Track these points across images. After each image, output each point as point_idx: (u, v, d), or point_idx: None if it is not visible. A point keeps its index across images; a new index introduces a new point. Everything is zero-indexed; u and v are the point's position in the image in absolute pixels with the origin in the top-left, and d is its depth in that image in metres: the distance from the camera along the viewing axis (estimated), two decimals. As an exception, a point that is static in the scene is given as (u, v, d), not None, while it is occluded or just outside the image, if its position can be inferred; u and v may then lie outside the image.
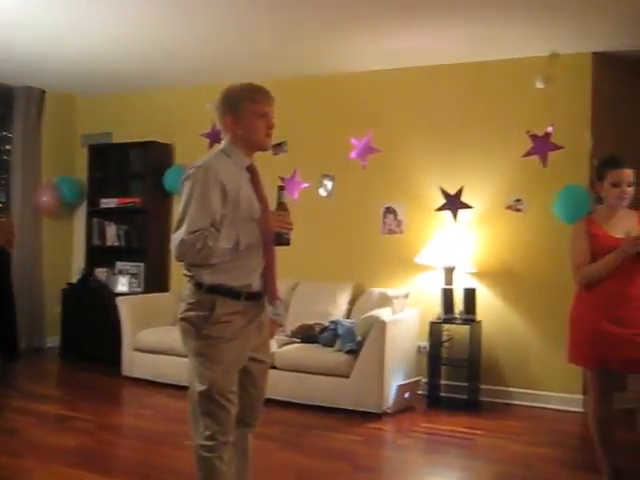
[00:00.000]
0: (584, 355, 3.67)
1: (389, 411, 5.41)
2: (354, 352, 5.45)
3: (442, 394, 5.88)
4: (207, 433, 2.76)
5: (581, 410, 5.37)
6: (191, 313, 2.80)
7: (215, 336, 2.75)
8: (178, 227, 2.74)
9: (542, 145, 5.76)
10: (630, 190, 3.61)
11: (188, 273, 2.85)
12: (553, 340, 5.48)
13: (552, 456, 4.56)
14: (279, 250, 2.92)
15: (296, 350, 5.77)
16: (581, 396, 5.44)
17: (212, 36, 5.70)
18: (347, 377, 5.42)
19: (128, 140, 7.58)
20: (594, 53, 5.73)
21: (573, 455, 4.68)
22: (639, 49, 5.60)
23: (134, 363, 6.45)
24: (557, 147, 5.70)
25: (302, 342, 5.92)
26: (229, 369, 2.79)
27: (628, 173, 3.59)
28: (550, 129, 5.72)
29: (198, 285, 2.79)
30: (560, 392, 5.63)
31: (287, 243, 2.85)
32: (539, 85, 5.62)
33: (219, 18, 5.24)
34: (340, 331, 5.67)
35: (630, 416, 3.63)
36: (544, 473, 4.25)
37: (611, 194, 3.62)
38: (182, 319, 2.84)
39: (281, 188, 2.92)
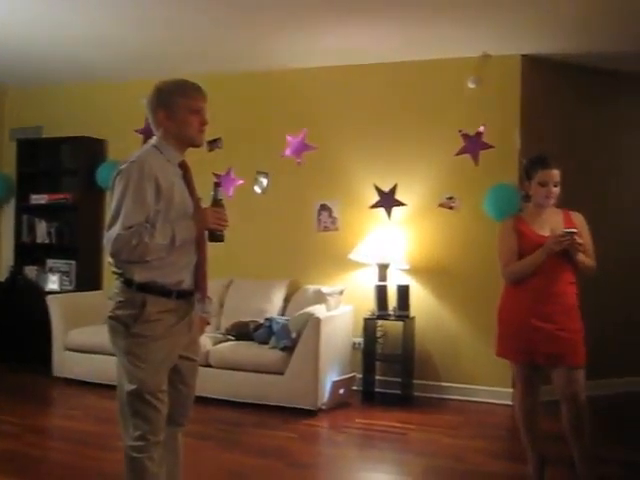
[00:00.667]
0: (512, 349, 3.76)
1: (324, 407, 5.44)
2: (289, 349, 5.45)
3: (376, 390, 5.95)
4: (137, 433, 2.72)
5: (511, 403, 5.49)
6: (120, 311, 2.76)
7: (145, 335, 2.71)
8: (112, 223, 2.69)
9: (474, 144, 5.88)
10: (557, 190, 3.71)
11: (117, 270, 2.81)
12: (484, 335, 5.59)
13: (482, 448, 4.67)
14: (213, 247, 2.90)
15: (231, 348, 5.74)
16: (511, 389, 5.55)
17: (146, 31, 5.61)
18: (282, 374, 5.42)
19: (59, 135, 7.39)
20: (523, 55, 5.88)
21: (502, 446, 4.79)
22: (565, 52, 5.79)
23: (65, 363, 6.30)
24: (488, 146, 5.82)
25: (237, 339, 5.89)
26: (159, 368, 2.75)
27: (555, 173, 3.69)
28: (481, 129, 5.84)
29: (128, 283, 2.75)
30: (491, 386, 5.76)
31: (221, 240, 2.84)
32: (471, 85, 5.74)
33: (153, 13, 5.15)
34: (275, 328, 5.67)
35: (556, 407, 3.74)
36: (474, 465, 4.35)
37: (539, 193, 3.72)
38: (111, 317, 2.79)
39: (217, 185, 2.90)
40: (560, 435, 3.69)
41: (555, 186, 3.70)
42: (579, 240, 3.57)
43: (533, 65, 5.92)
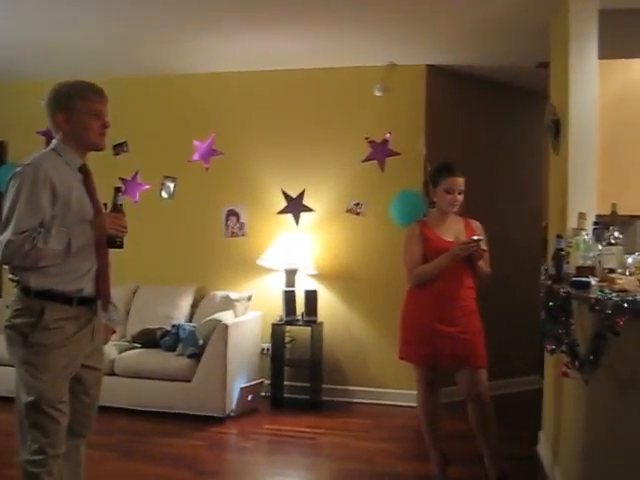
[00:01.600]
0: (415, 353, 3.84)
1: (232, 414, 5.39)
2: (196, 356, 5.38)
3: (285, 395, 5.94)
4: (35, 447, 2.61)
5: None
6: (17, 320, 2.65)
7: (44, 343, 2.62)
8: (5, 228, 2.59)
9: (380, 151, 5.99)
10: (461, 197, 3.82)
11: (14, 277, 2.70)
12: (391, 338, 5.62)
13: (391, 450, 4.75)
14: (118, 253, 2.83)
15: (136, 355, 5.62)
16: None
17: (50, 30, 5.40)
18: (189, 381, 5.35)
19: (-45, 135, 7.05)
20: (428, 65, 6.03)
21: (410, 447, 4.88)
22: (466, 63, 5.98)
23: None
24: (394, 153, 5.95)
25: (143, 347, 5.77)
26: (59, 378, 2.66)
27: (460, 181, 3.80)
28: (388, 136, 5.96)
29: (25, 290, 2.65)
30: (398, 388, 5.85)
31: (120, 246, 2.77)
32: (377, 93, 5.84)
33: (54, 13, 4.98)
34: (182, 335, 5.59)
35: (458, 407, 3.85)
36: (383, 466, 4.41)
37: (444, 200, 3.82)
38: (7, 327, 2.68)
39: (117, 189, 2.83)
40: (461, 434, 3.81)
41: (460, 193, 3.81)
42: (483, 247, 3.70)
43: (437, 75, 6.09)
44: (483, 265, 3.81)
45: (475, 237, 3.70)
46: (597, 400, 3.03)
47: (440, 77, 6.11)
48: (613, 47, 4.09)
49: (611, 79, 4.01)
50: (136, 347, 5.78)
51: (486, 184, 6.09)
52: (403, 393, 5.78)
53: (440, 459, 3.94)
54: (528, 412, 5.03)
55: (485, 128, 6.41)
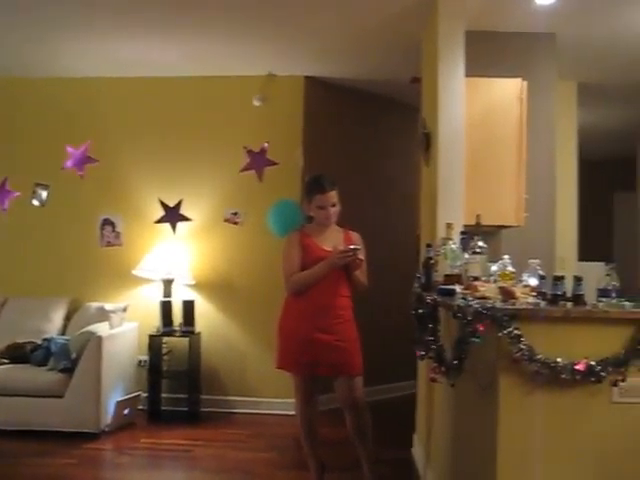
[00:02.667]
0: (293, 362, 3.86)
1: (107, 429, 5.23)
2: (69, 370, 5.19)
3: (163, 408, 5.83)
4: None
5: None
6: None
7: None
8: None
9: (258, 160, 6.02)
10: (335, 209, 3.87)
11: None
12: (269, 348, 5.64)
13: (269, 459, 4.75)
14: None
15: (4, 372, 5.34)
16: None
17: None
18: (61, 397, 5.14)
19: None
20: (307, 77, 6.12)
21: (289, 456, 4.90)
22: (344, 76, 6.11)
23: None
24: (272, 163, 5.99)
25: (11, 362, 5.49)
26: None
27: (332, 195, 3.83)
28: (266, 145, 5.99)
29: None
30: (277, 397, 5.87)
31: None
32: (256, 103, 5.87)
33: None
34: (54, 349, 5.38)
35: (336, 415, 3.91)
36: (262, 477, 4.41)
37: (319, 215, 3.88)
38: None
39: None
40: (339, 440, 3.87)
41: (333, 206, 3.86)
42: (360, 256, 3.78)
43: (316, 86, 6.19)
44: (360, 275, 3.89)
45: (352, 246, 3.77)
46: (462, 402, 3.17)
47: (318, 88, 6.21)
48: (479, 66, 4.31)
49: (477, 96, 4.22)
50: (4, 363, 5.50)
51: (362, 196, 6.24)
52: (282, 402, 5.81)
53: (318, 467, 3.98)
54: (404, 416, 5.17)
55: (362, 140, 6.57)
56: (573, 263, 5.78)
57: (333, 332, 3.80)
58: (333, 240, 3.87)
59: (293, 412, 3.91)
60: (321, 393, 4.00)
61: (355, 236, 4.00)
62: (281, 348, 3.92)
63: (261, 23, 4.90)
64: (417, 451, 4.63)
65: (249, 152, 6.02)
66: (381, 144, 6.74)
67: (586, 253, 6.10)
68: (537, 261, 3.10)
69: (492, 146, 4.18)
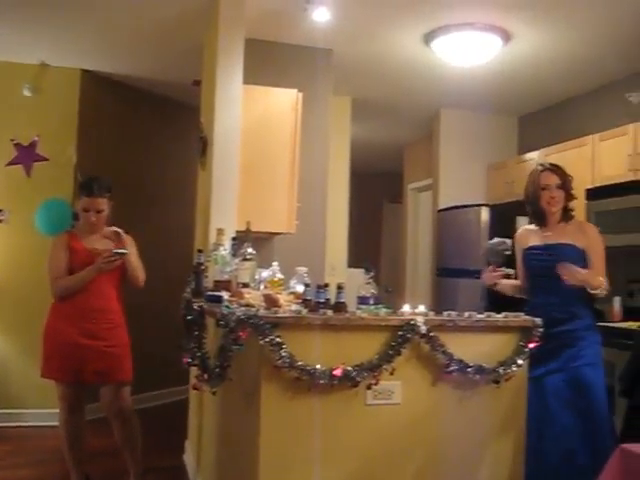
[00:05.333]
0: (58, 369, 3.68)
1: None
2: None
3: None
4: None
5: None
6: None
7: None
8: None
9: (27, 155, 5.63)
10: (101, 215, 3.74)
11: None
12: (33, 356, 5.33)
13: (29, 476, 4.42)
14: None
15: None
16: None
17: None
18: None
19: None
20: (84, 70, 5.84)
21: (50, 470, 4.57)
22: (125, 73, 5.94)
23: None
24: (42, 158, 5.64)
25: None
26: None
27: (99, 202, 3.73)
28: (36, 139, 5.63)
29: None
30: (42, 408, 5.50)
31: None
32: (26, 93, 5.51)
33: None
34: None
35: (102, 424, 3.76)
36: (16, 497, 4.11)
37: (82, 218, 3.75)
38: None
39: None
40: (105, 451, 3.73)
41: (99, 212, 3.73)
42: (132, 259, 3.72)
43: (94, 81, 5.93)
44: (135, 271, 3.81)
45: (118, 250, 3.67)
46: (229, 409, 3.19)
47: (97, 84, 5.96)
48: (258, 74, 4.38)
49: (254, 104, 4.28)
50: None
51: (141, 197, 6.08)
52: (47, 412, 5.46)
53: (82, 479, 3.81)
54: (177, 422, 5.09)
55: (143, 141, 6.40)
56: (343, 270, 6.06)
57: (102, 337, 3.68)
58: (103, 243, 3.76)
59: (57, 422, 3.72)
60: (88, 402, 3.84)
61: (127, 239, 3.88)
62: (46, 355, 3.73)
63: (35, 8, 4.59)
64: (189, 458, 4.58)
65: (17, 145, 5.61)
66: (163, 146, 6.61)
67: (357, 260, 6.42)
68: (304, 268, 3.20)
69: (266, 154, 4.26)
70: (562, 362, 3.28)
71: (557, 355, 3.28)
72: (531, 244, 3.51)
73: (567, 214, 3.46)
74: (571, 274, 3.18)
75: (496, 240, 3.72)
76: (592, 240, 3.38)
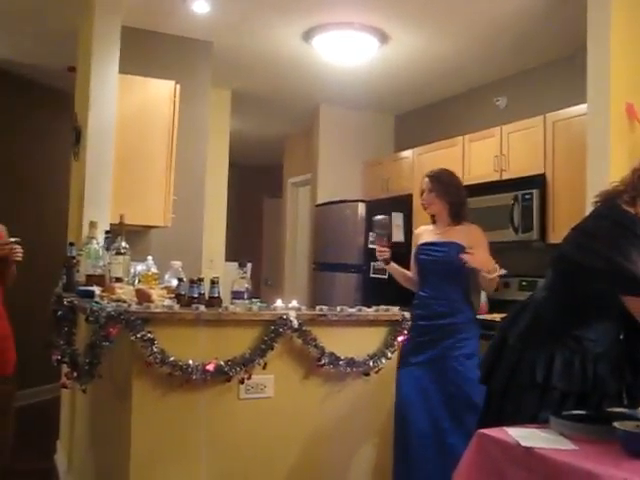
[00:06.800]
0: None
1: None
2: None
3: None
4: None
5: None
6: None
7: None
8: None
9: None
10: None
11: None
12: None
13: None
14: None
15: None
16: None
17: None
18: None
19: None
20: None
21: None
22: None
23: None
24: None
25: None
26: None
27: None
28: None
29: None
30: None
31: None
32: None
33: None
34: None
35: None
36: None
37: None
38: None
39: None
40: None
41: None
42: (19, 248, 3.49)
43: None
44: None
45: (13, 239, 3.50)
46: (100, 406, 3.12)
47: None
48: (135, 64, 4.29)
49: (130, 94, 4.19)
50: None
51: (10, 189, 5.80)
52: None
53: None
54: (49, 422, 4.90)
55: (13, 129, 6.06)
56: (222, 264, 6.04)
57: None
58: None
59: None
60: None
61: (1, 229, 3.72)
62: None
63: None
64: (60, 458, 4.43)
65: None
66: (36, 134, 6.29)
67: (237, 254, 6.41)
68: (179, 262, 3.17)
69: (142, 145, 4.18)
70: (440, 351, 3.48)
71: (437, 345, 3.48)
72: (423, 240, 3.76)
73: (455, 217, 3.70)
74: (472, 258, 3.37)
75: (381, 216, 3.94)
76: (476, 239, 3.62)
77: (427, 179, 3.76)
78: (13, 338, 3.65)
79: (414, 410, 3.38)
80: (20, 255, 3.54)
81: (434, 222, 3.80)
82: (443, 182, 3.72)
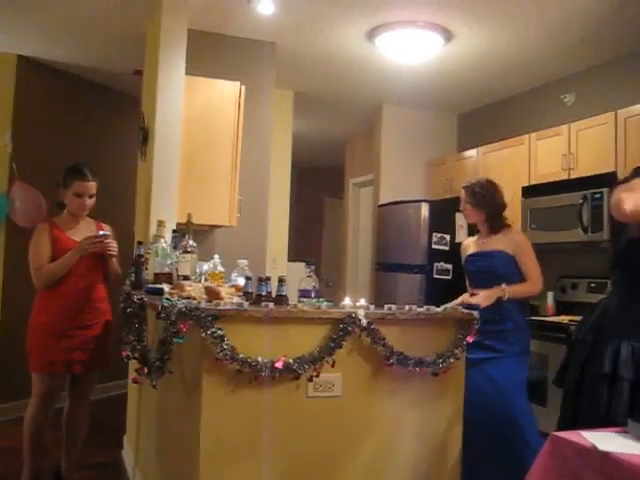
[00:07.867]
0: (50, 360, 3.55)
1: None
2: None
3: None
4: None
5: None
6: None
7: None
8: None
9: (-42, 142, 5.44)
10: (92, 201, 3.70)
11: None
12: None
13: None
14: None
15: None
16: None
17: None
18: None
19: None
20: (20, 56, 5.66)
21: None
22: (65, 60, 5.79)
23: None
24: (-24, 147, 5.45)
25: None
26: None
27: (92, 185, 3.67)
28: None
29: None
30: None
31: None
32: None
33: None
34: None
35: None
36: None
37: (73, 203, 3.67)
38: None
39: None
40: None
41: (91, 197, 3.69)
42: (113, 244, 3.61)
43: (31, 67, 5.75)
44: (115, 264, 3.75)
45: (102, 232, 3.63)
46: (170, 402, 3.16)
47: (35, 70, 5.78)
48: (200, 65, 4.35)
49: (196, 95, 4.24)
50: None
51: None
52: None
53: (34, 476, 3.67)
54: (117, 417, 5.00)
55: (81, 130, 6.22)
56: (284, 263, 6.07)
57: (92, 326, 3.64)
58: (85, 232, 3.68)
59: None
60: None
61: (107, 228, 3.85)
62: (36, 348, 3.58)
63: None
64: (127, 453, 4.51)
65: (-51, 133, 5.43)
66: (101, 135, 6.45)
67: (298, 254, 6.44)
68: (245, 261, 3.19)
69: (208, 146, 4.23)
70: (485, 353, 3.52)
71: (485, 348, 3.49)
72: (469, 252, 3.88)
73: (494, 225, 3.77)
74: (477, 299, 3.42)
75: None
76: (519, 244, 3.68)
77: (463, 190, 3.86)
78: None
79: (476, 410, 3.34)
80: (114, 250, 3.64)
81: (478, 231, 3.89)
82: (477, 193, 3.79)
